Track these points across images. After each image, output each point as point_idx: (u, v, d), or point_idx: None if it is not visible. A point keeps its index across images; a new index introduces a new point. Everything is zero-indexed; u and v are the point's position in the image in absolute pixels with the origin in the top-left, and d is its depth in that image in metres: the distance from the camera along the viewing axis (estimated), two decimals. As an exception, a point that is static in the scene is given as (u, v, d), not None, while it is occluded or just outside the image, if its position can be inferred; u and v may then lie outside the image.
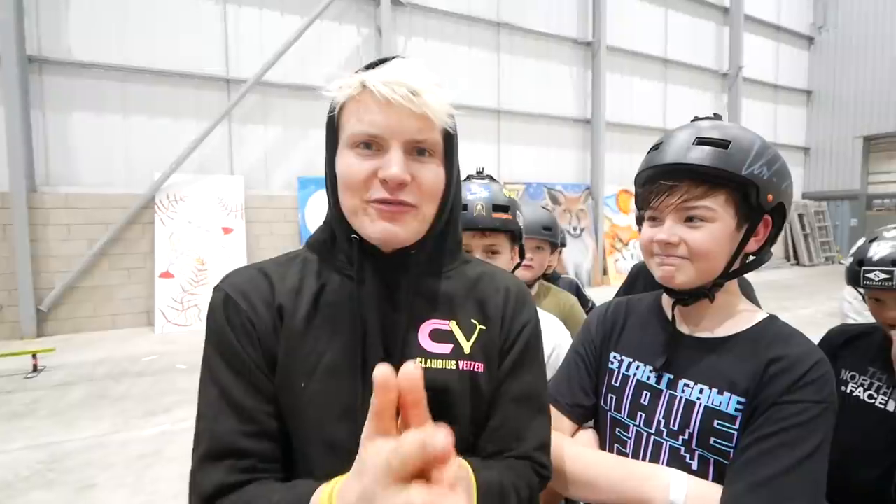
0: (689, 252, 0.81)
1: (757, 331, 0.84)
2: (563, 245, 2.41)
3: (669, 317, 0.91)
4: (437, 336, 0.71)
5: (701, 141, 0.81)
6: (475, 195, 1.18)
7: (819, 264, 13.93)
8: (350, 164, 0.66)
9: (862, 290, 1.36)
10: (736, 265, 0.84)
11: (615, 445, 0.91)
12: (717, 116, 0.91)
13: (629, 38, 10.97)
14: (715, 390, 0.81)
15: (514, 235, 1.23)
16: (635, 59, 11.14)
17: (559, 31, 10.13)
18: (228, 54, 7.22)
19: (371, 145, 0.66)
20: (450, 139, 0.71)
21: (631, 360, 0.93)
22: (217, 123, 6.86)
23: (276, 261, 0.76)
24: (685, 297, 0.86)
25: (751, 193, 0.81)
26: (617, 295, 2.15)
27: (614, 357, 0.96)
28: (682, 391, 0.84)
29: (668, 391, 0.86)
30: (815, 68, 14.58)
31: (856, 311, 2.17)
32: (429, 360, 0.69)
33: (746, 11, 12.39)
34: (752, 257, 0.87)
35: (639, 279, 2.06)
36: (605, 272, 10.31)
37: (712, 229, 0.81)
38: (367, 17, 8.14)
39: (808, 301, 8.62)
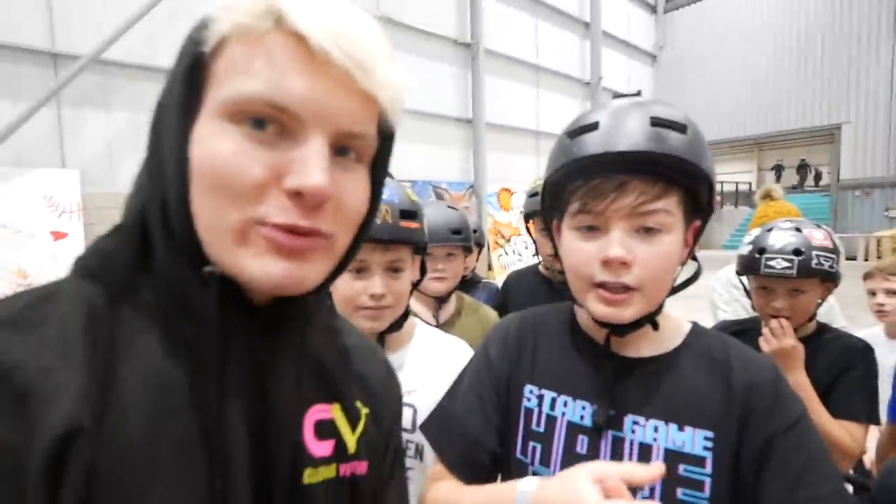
0: (639, 276, 0.64)
1: (697, 344, 0.71)
2: (481, 245, 2.12)
3: (594, 335, 0.75)
4: (321, 430, 0.49)
5: (658, 122, 0.63)
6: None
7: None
8: (228, 149, 0.38)
9: (745, 280, 1.42)
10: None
11: None
12: (638, 94, 0.74)
13: (505, 43, 11.47)
14: (674, 426, 0.65)
15: (419, 247, 1.04)
16: (510, 63, 11.65)
17: (439, 29, 10.22)
18: (54, 22, 6.04)
19: (267, 123, 0.39)
20: (387, 142, 0.48)
21: (555, 394, 0.73)
22: (41, 106, 5.67)
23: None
24: (625, 330, 0.69)
25: (702, 193, 0.67)
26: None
27: (530, 392, 0.75)
28: (632, 431, 0.67)
29: (612, 432, 0.68)
30: (658, 82, 16.61)
31: (724, 301, 2.21)
32: (318, 470, 0.47)
33: (604, 28, 13.64)
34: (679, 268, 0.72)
35: (515, 292, 1.91)
36: (489, 267, 10.59)
37: (669, 242, 0.64)
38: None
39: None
